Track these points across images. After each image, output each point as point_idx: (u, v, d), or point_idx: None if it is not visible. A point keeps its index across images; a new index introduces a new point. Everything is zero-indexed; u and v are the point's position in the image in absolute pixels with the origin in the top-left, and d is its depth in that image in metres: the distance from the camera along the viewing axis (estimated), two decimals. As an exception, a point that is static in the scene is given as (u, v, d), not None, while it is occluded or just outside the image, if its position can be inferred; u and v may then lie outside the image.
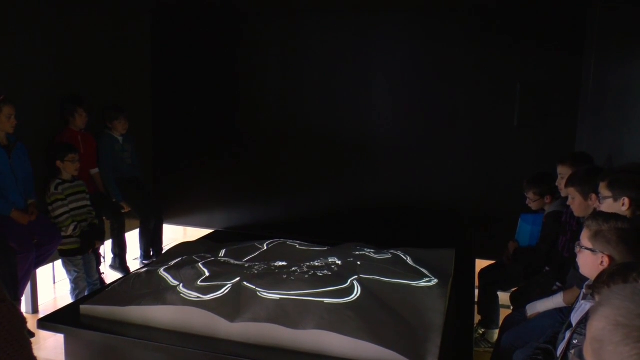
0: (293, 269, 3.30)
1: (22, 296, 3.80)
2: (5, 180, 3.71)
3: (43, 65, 4.27)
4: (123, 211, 4.78)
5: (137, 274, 3.36)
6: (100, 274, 4.43)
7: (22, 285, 3.71)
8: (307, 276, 3.11)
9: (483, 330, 3.82)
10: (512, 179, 4.53)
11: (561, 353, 2.09)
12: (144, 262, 4.95)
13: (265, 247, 3.86)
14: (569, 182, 3.02)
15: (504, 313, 3.56)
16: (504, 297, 3.86)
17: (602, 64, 4.23)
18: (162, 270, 3.29)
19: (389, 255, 3.66)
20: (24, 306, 4.11)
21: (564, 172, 3.35)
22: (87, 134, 4.59)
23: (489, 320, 3.79)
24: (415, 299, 3.04)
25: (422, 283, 3.23)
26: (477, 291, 3.89)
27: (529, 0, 4.67)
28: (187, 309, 2.82)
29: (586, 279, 2.21)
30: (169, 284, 3.12)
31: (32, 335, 3.43)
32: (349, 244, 4.00)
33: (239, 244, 3.96)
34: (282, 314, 2.73)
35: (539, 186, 3.70)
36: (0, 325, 1.13)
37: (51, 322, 3.01)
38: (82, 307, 3.05)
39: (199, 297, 2.89)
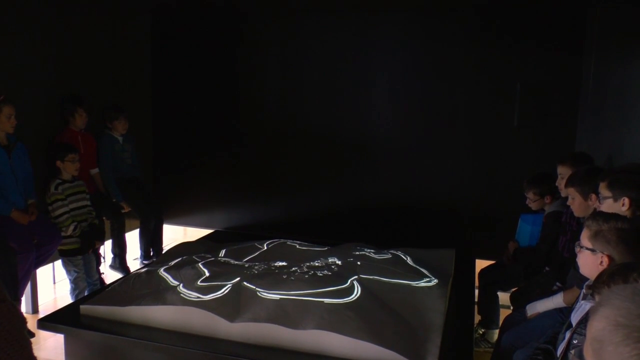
0: (293, 269, 3.30)
1: (22, 296, 3.80)
2: (5, 180, 3.71)
3: (43, 65, 4.27)
4: (123, 211, 4.78)
5: (137, 274, 3.36)
6: (100, 274, 4.43)
7: (22, 285, 3.71)
8: (307, 276, 3.11)
9: (483, 330, 3.82)
10: (512, 179, 4.53)
11: (561, 353, 2.09)
12: (144, 262, 4.95)
13: (265, 247, 3.86)
14: (569, 182, 3.02)
15: (504, 313, 3.56)
16: (504, 297, 3.86)
17: (602, 64, 4.23)
18: (162, 270, 3.29)
19: (389, 255, 3.66)
20: (24, 306, 4.11)
21: (564, 172, 3.35)
22: (87, 134, 4.59)
23: (489, 320, 3.79)
24: (415, 299, 3.04)
25: (422, 283, 3.24)
26: (477, 291, 3.89)
27: (529, 1, 4.67)
28: (187, 309, 2.82)
29: (586, 279, 2.21)
30: (169, 284, 3.12)
31: (32, 335, 3.43)
32: (349, 244, 4.00)
33: (239, 244, 3.96)
34: (282, 314, 2.73)
35: (539, 186, 3.70)
36: (0, 325, 1.13)
37: (51, 322, 3.01)
38: (82, 307, 3.05)
39: (199, 297, 2.89)
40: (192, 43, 5.57)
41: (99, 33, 4.83)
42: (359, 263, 3.41)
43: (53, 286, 4.81)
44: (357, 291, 2.93)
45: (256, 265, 3.44)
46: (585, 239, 2.12)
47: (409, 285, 3.19)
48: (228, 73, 5.52)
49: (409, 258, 3.66)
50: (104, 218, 4.62)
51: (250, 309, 2.79)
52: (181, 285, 3.04)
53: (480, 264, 4.21)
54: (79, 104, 4.43)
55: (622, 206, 2.45)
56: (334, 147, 5.33)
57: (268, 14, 5.35)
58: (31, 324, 3.16)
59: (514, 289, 3.72)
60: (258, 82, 5.49)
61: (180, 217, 5.87)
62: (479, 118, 4.94)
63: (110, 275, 4.71)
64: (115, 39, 5.05)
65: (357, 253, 3.65)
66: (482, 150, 4.97)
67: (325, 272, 3.22)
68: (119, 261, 4.83)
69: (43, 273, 4.51)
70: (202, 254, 3.68)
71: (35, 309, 4.22)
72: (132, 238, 5.13)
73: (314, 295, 2.85)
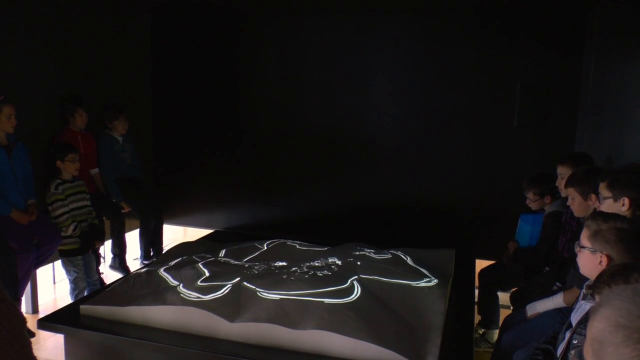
0: (293, 269, 3.30)
1: (22, 296, 3.80)
2: (5, 180, 3.71)
3: (43, 65, 4.27)
4: (123, 211, 4.78)
5: (137, 274, 3.36)
6: (99, 274, 4.43)
7: (22, 285, 3.71)
8: (307, 276, 3.11)
9: (483, 330, 3.82)
10: (512, 179, 4.53)
11: (561, 353, 2.09)
12: (144, 262, 4.95)
13: (265, 247, 3.86)
14: (569, 183, 3.02)
15: (504, 313, 3.56)
16: (504, 297, 3.86)
17: (602, 64, 4.23)
18: (162, 270, 3.29)
19: (389, 256, 3.66)
20: (24, 306, 4.11)
21: (563, 172, 3.35)
22: (87, 134, 4.59)
23: (489, 320, 3.79)
24: (415, 299, 3.04)
25: (422, 283, 3.24)
26: (477, 291, 3.89)
27: (529, 1, 4.67)
28: (187, 309, 2.82)
29: (586, 279, 2.21)
30: (169, 284, 3.12)
31: (33, 335, 3.43)
32: (349, 244, 4.00)
33: (239, 244, 3.96)
34: (282, 314, 2.73)
35: (538, 186, 3.70)
36: (0, 325, 1.13)
37: (51, 322, 3.01)
38: (82, 307, 3.05)
39: (199, 297, 2.89)
40: (192, 43, 5.57)
41: (99, 33, 4.83)
42: (359, 263, 3.41)
43: (53, 286, 4.81)
44: (357, 291, 2.93)
45: (256, 265, 3.44)
46: (584, 238, 2.12)
47: (409, 285, 3.19)
48: (228, 73, 5.52)
49: (409, 258, 3.66)
50: (104, 218, 4.62)
51: (250, 309, 2.79)
52: (181, 285, 3.04)
53: (480, 264, 4.21)
54: (79, 104, 4.43)
55: (622, 206, 2.45)
56: (333, 147, 5.33)
57: (268, 14, 5.36)
58: (31, 324, 3.16)
59: (514, 289, 3.72)
60: (258, 82, 5.49)
61: (180, 217, 5.87)
62: (479, 118, 4.94)
63: (110, 275, 4.71)
64: (115, 39, 5.05)
65: (357, 253, 3.65)
66: (482, 150, 4.97)
67: (325, 272, 3.22)
68: (119, 261, 4.82)
69: (43, 273, 4.51)
70: (202, 254, 3.68)
71: (35, 309, 4.22)
72: (132, 238, 5.13)
73: (314, 295, 2.85)
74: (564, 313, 2.70)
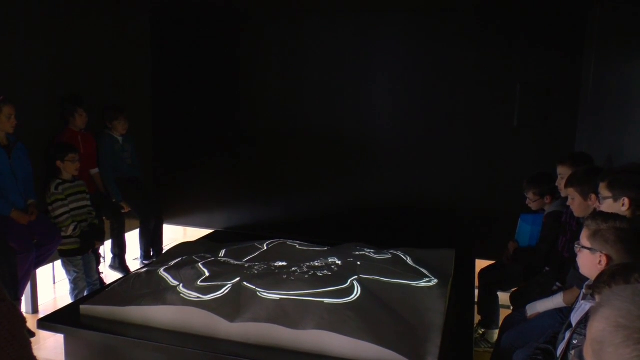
0: (293, 269, 3.30)
1: (22, 296, 3.80)
2: (5, 180, 3.71)
3: (43, 65, 4.27)
4: (123, 211, 4.78)
5: (137, 274, 3.36)
6: (99, 273, 4.43)
7: (22, 285, 3.71)
8: (307, 276, 3.11)
9: (483, 330, 3.82)
10: (512, 179, 4.53)
11: (561, 353, 2.09)
12: (144, 262, 4.95)
13: (265, 247, 3.86)
14: (569, 183, 3.02)
15: (504, 313, 3.56)
16: (504, 297, 3.86)
17: (602, 64, 4.23)
18: (162, 270, 3.29)
19: (389, 256, 3.66)
20: (24, 306, 4.11)
21: (563, 172, 3.36)
22: (87, 134, 4.59)
23: (489, 320, 3.79)
24: (415, 299, 3.04)
25: (422, 283, 3.23)
26: (477, 291, 3.89)
27: (529, 1, 4.67)
28: (187, 309, 2.82)
29: (586, 279, 2.21)
30: (169, 284, 3.12)
31: (33, 335, 3.43)
32: (349, 244, 4.00)
33: (239, 244, 3.96)
34: (282, 314, 2.73)
35: (539, 186, 3.70)
36: (0, 325, 1.13)
37: (51, 322, 3.00)
38: (82, 307, 3.05)
39: (199, 297, 2.88)
40: (192, 43, 5.57)
41: (99, 33, 4.83)
42: (359, 263, 3.41)
43: (53, 286, 4.81)
44: (357, 291, 2.93)
45: (256, 265, 3.44)
46: (584, 238, 2.12)
47: (409, 285, 3.19)
48: (228, 73, 5.52)
49: (409, 258, 3.66)
50: (104, 218, 4.62)
51: (250, 309, 2.79)
52: (181, 285, 3.04)
53: (480, 264, 4.21)
54: (79, 104, 4.43)
55: (622, 206, 2.45)
56: (334, 147, 5.33)
57: (268, 14, 5.35)
58: (31, 324, 3.16)
59: (514, 289, 3.72)
60: (258, 82, 5.49)
61: (180, 217, 5.87)
62: (479, 118, 4.94)
63: (110, 275, 4.71)
64: (115, 39, 5.05)
65: (357, 253, 3.64)
66: (482, 150, 4.97)
67: (325, 272, 3.22)
68: (119, 261, 4.83)
69: (43, 273, 4.51)
70: (202, 254, 3.67)
71: (35, 309, 4.22)
72: (132, 238, 5.13)
73: (314, 295, 2.85)
74: (564, 313, 2.70)
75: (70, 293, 4.13)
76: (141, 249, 5.09)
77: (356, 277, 3.13)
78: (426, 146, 5.10)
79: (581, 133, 4.62)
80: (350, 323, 2.62)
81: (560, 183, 3.35)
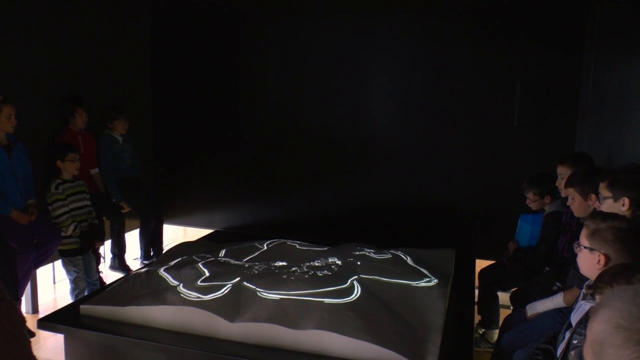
0: (293, 269, 3.30)
1: (22, 296, 3.80)
2: (5, 180, 3.71)
3: (43, 65, 4.27)
4: (123, 211, 4.79)
5: (137, 274, 3.36)
6: (99, 273, 4.42)
7: (22, 285, 3.71)
8: (307, 276, 3.11)
9: (483, 330, 3.82)
10: (512, 179, 4.53)
11: (561, 353, 2.09)
12: (144, 262, 4.95)
13: (265, 247, 3.86)
14: (569, 183, 3.02)
15: (504, 313, 3.56)
16: (504, 297, 3.86)
17: (602, 64, 4.23)
18: (162, 270, 3.29)
19: (389, 255, 3.66)
20: (24, 306, 4.11)
21: (564, 172, 3.35)
22: (87, 134, 4.59)
23: (489, 320, 3.79)
24: (415, 299, 3.04)
25: (422, 283, 3.23)
26: (477, 291, 3.89)
27: (529, 0, 4.66)
28: (187, 309, 2.82)
29: (586, 279, 2.22)
30: (169, 284, 3.12)
31: (33, 335, 3.43)
32: (349, 244, 4.00)
33: (239, 244, 3.96)
34: (282, 314, 2.73)
35: (539, 186, 3.70)
36: (0, 325, 1.13)
37: (51, 322, 3.00)
38: (82, 307, 3.05)
39: (199, 297, 2.88)
40: (192, 43, 5.57)
41: (99, 33, 4.83)
42: (359, 263, 3.41)
43: (53, 286, 4.81)
44: (357, 291, 2.93)
45: (256, 265, 3.44)
46: (583, 238, 2.13)
47: (409, 285, 3.19)
48: (228, 73, 5.52)
49: (409, 258, 3.66)
50: (104, 218, 4.62)
51: (250, 309, 2.79)
52: (181, 285, 3.04)
53: (480, 264, 4.21)
54: (79, 104, 4.43)
55: (622, 206, 2.45)
56: (333, 147, 5.33)
57: (268, 14, 5.35)
58: (31, 324, 3.16)
59: (514, 289, 3.72)
60: (258, 82, 5.49)
61: (180, 217, 5.87)
62: (479, 118, 4.94)
63: (110, 275, 4.71)
64: (115, 39, 5.05)
65: (357, 253, 3.64)
66: (482, 151, 4.97)
67: (325, 272, 3.22)
68: (119, 261, 4.83)
69: (43, 273, 4.51)
70: (202, 254, 3.67)
71: (35, 309, 4.22)
72: (132, 238, 5.13)
73: (314, 295, 2.85)
74: (564, 313, 2.70)
75: (70, 293, 4.13)
76: (141, 249, 5.09)
77: (356, 277, 3.13)
78: (426, 146, 5.10)
79: (581, 133, 4.62)
80: (350, 323, 2.62)
81: (560, 183, 3.35)
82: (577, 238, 2.22)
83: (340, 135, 5.30)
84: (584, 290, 2.19)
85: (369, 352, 2.51)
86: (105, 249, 4.86)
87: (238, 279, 3.05)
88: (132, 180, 4.94)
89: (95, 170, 4.70)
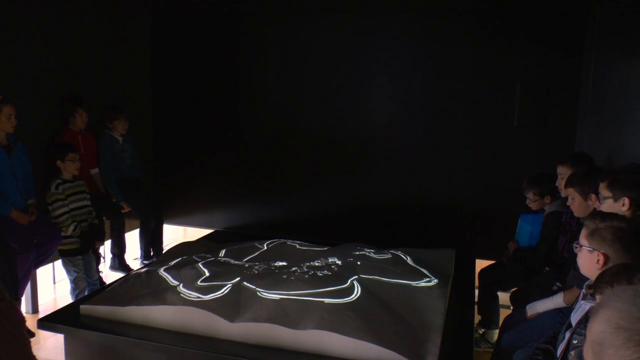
0: (293, 269, 3.30)
1: (22, 296, 3.80)
2: (5, 180, 3.71)
3: (43, 65, 4.27)
4: (123, 211, 4.79)
5: (137, 274, 3.36)
6: (99, 273, 4.42)
7: (22, 285, 3.71)
8: (307, 276, 3.11)
9: (483, 330, 3.82)
10: (512, 179, 4.52)
11: (561, 353, 2.09)
12: (144, 262, 4.95)
13: (265, 247, 3.86)
14: (569, 183, 3.02)
15: (504, 313, 3.56)
16: (504, 297, 3.86)
17: (602, 64, 4.23)
18: (162, 270, 3.29)
19: (389, 255, 3.66)
20: (24, 306, 4.11)
21: (564, 172, 3.35)
22: (87, 134, 4.59)
23: (489, 320, 3.79)
24: (415, 299, 3.04)
25: (422, 283, 3.23)
26: (477, 291, 3.89)
27: (529, 1, 4.66)
28: (187, 309, 2.82)
29: (586, 279, 2.22)
30: (169, 284, 3.12)
31: (32, 335, 3.43)
32: (349, 244, 4.00)
33: (239, 244, 3.96)
34: (282, 314, 2.73)
35: (538, 186, 3.70)
36: (0, 325, 1.13)
37: (51, 322, 3.00)
38: (82, 307, 3.05)
39: (199, 297, 2.88)
40: (192, 43, 5.57)
41: (99, 33, 4.83)
42: (359, 263, 3.41)
43: (53, 286, 4.81)
44: (357, 291, 2.93)
45: (256, 265, 3.44)
46: (583, 237, 2.14)
47: (409, 285, 3.19)
48: (228, 73, 5.52)
49: (409, 258, 3.66)
50: (104, 218, 4.62)
51: (250, 309, 2.79)
52: (181, 285, 3.04)
53: (480, 264, 4.21)
54: (79, 104, 4.43)
55: (622, 206, 2.45)
56: (334, 147, 5.33)
57: (268, 14, 5.35)
58: (31, 324, 3.16)
59: (514, 289, 3.72)
60: (258, 82, 5.49)
61: (180, 217, 5.87)
62: (479, 118, 4.94)
63: (110, 275, 4.71)
64: (115, 39, 5.05)
65: (357, 253, 3.64)
66: (482, 151, 4.97)
67: (325, 272, 3.22)
68: (118, 261, 4.83)
69: (43, 273, 4.51)
70: (202, 254, 3.67)
71: (35, 309, 4.22)
72: (132, 238, 5.13)
73: (314, 295, 2.85)
74: (564, 313, 2.70)
75: (70, 293, 4.14)
76: (141, 249, 5.09)
77: (356, 277, 3.13)
78: (426, 146, 5.10)
79: (581, 133, 4.62)
80: (350, 323, 2.62)
81: (560, 183, 3.35)
82: (577, 238, 2.22)
83: (340, 135, 5.30)
84: (584, 290, 2.19)
85: (369, 352, 2.51)
86: (105, 249, 4.85)
87: (238, 279, 3.05)
88: (132, 180, 4.94)
89: (95, 170, 4.70)
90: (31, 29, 4.13)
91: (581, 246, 2.13)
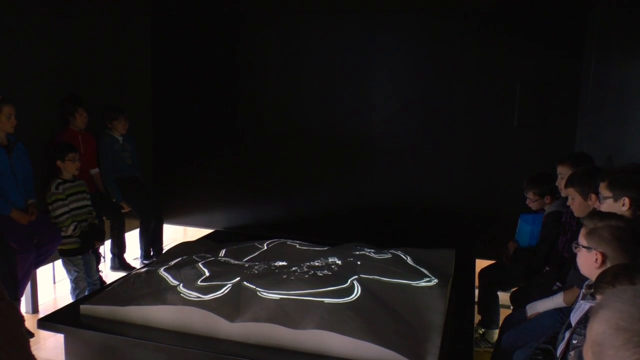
0: (293, 268, 3.30)
1: (22, 296, 3.80)
2: (5, 180, 3.71)
3: (43, 65, 4.27)
4: (123, 211, 4.79)
5: (137, 274, 3.36)
6: (99, 272, 4.43)
7: (22, 285, 3.71)
8: (307, 276, 3.11)
9: (483, 330, 3.82)
10: (512, 179, 4.52)
11: (561, 353, 2.09)
12: (144, 262, 4.95)
13: (265, 247, 3.86)
14: (569, 183, 3.02)
15: (504, 313, 3.56)
16: (504, 297, 3.86)
17: (602, 64, 4.23)
18: (162, 270, 3.29)
19: (389, 255, 3.65)
20: (24, 306, 4.11)
21: (564, 172, 3.35)
22: (87, 134, 4.59)
23: (489, 320, 3.79)
24: (415, 299, 3.04)
25: (422, 283, 3.23)
26: (477, 291, 3.89)
27: (529, 1, 4.66)
28: (187, 309, 2.82)
29: (586, 279, 2.22)
30: (169, 283, 3.12)
31: (32, 335, 3.44)
32: (349, 244, 4.00)
33: (239, 244, 3.96)
34: (282, 314, 2.73)
35: (539, 186, 3.70)
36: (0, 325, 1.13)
37: (51, 322, 3.00)
38: (82, 307, 3.05)
39: (199, 297, 2.88)
40: (192, 43, 5.57)
41: (99, 33, 4.83)
42: (359, 263, 3.41)
43: (53, 286, 4.81)
44: (357, 291, 2.93)
45: (256, 265, 3.44)
46: (581, 237, 2.14)
47: (409, 285, 3.18)
48: (228, 73, 5.52)
49: (409, 258, 3.66)
50: (104, 218, 4.62)
51: (251, 309, 2.79)
52: (181, 285, 3.04)
53: (480, 264, 4.21)
54: (79, 104, 4.43)
55: (622, 206, 2.45)
56: (334, 147, 5.33)
57: (268, 14, 5.35)
58: (31, 324, 3.17)
59: (514, 289, 3.72)
60: (258, 82, 5.49)
61: (180, 217, 5.87)
62: (479, 118, 4.94)
63: (110, 275, 4.71)
64: (115, 39, 5.05)
65: (357, 253, 3.64)
66: (482, 150, 4.97)
67: (325, 272, 3.22)
68: (118, 261, 4.83)
69: (43, 273, 4.51)
70: (202, 254, 3.67)
71: (35, 309, 4.22)
72: (132, 238, 5.13)
73: (314, 295, 2.85)
74: (564, 313, 2.70)
75: (71, 293, 4.14)
76: (141, 248, 5.09)
77: (356, 276, 3.13)
78: (426, 146, 5.10)
79: (581, 133, 4.62)
80: (350, 323, 2.62)
81: (560, 183, 3.35)
82: (577, 238, 2.22)
83: (340, 135, 5.30)
84: (583, 290, 2.19)
85: (369, 352, 2.51)
86: (105, 249, 4.85)
87: (238, 278, 3.05)
88: (132, 180, 4.94)
89: (95, 170, 4.70)
90: (31, 29, 4.13)
91: (580, 246, 2.14)
